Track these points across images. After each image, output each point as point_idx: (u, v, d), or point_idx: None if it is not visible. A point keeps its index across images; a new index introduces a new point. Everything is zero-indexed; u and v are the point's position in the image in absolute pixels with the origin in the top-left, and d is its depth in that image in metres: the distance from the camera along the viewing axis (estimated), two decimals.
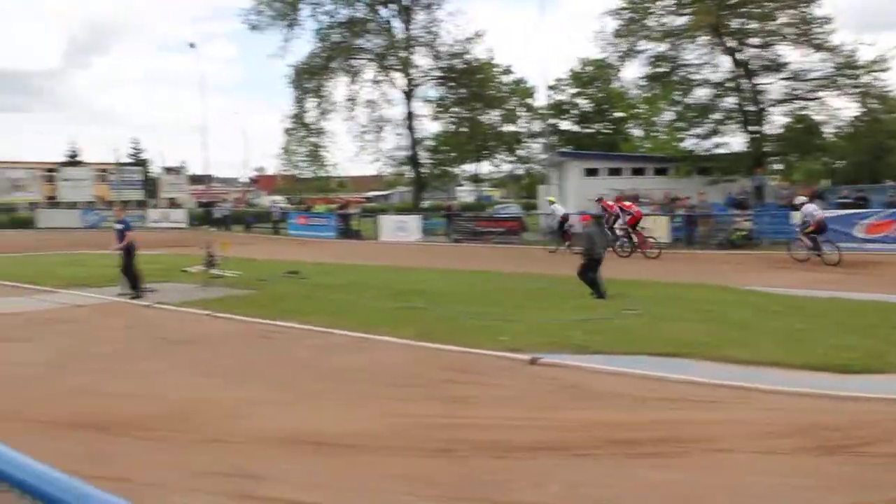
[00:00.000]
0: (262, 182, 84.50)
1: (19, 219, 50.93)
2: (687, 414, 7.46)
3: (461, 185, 66.60)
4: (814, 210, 22.73)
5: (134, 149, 77.61)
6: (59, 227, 46.98)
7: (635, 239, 25.66)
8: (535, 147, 54.74)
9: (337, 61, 47.48)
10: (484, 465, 6.11)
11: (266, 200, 65.94)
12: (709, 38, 36.17)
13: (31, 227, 48.58)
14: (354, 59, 47.83)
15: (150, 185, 62.16)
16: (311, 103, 48.46)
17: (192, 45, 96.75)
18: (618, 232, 25.66)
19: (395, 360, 10.07)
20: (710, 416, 7.36)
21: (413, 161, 49.13)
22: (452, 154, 53.01)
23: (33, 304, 16.09)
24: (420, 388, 8.55)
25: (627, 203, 26.59)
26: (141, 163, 67.78)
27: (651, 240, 25.77)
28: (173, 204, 60.45)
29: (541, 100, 53.02)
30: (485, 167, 59.31)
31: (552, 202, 31.11)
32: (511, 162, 57.42)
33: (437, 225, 37.08)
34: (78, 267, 23.80)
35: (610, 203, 26.96)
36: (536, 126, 53.34)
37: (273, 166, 64.35)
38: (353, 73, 48.16)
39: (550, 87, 54.24)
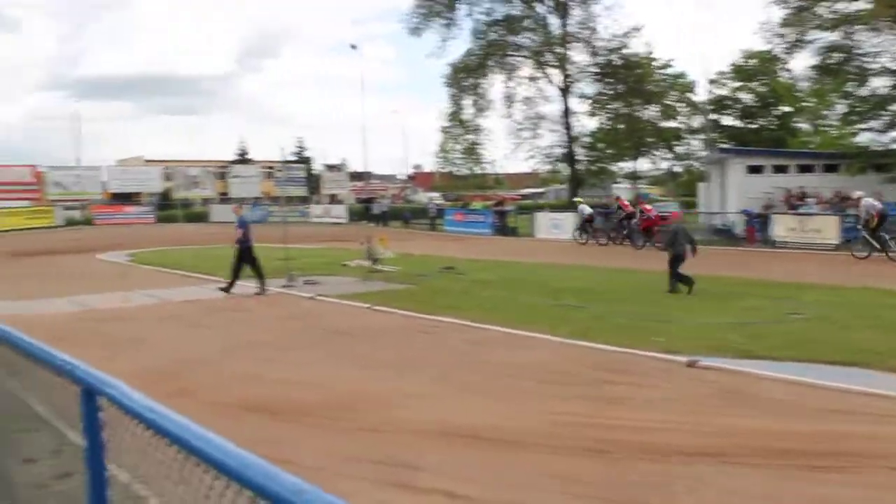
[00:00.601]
0: (419, 179, 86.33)
1: (195, 213, 54.61)
2: (861, 427, 6.98)
3: (618, 183, 65.39)
4: (873, 203, 22.97)
5: (298, 147, 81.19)
6: (230, 222, 50.03)
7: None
8: (695, 144, 52.93)
9: (493, 59, 47.78)
10: (638, 468, 5.98)
11: (423, 197, 67.31)
12: (890, 22, 33.61)
13: (205, 220, 51.91)
14: (511, 56, 47.97)
15: (312, 182, 64.89)
16: (467, 101, 49.06)
17: (353, 47, 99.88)
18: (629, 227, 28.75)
19: (549, 357, 10.03)
20: (887, 431, 6.87)
21: (569, 158, 48.68)
22: (609, 151, 52.09)
23: (207, 293, 17.19)
24: (574, 387, 8.47)
25: (648, 207, 29.40)
26: (304, 160, 70.84)
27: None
28: (334, 200, 62.87)
29: (701, 94, 51.19)
30: (642, 164, 57.91)
31: (580, 202, 34.17)
32: (670, 159, 55.79)
33: None
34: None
35: (626, 203, 30.49)
36: (696, 122, 51.58)
37: (430, 163, 65.56)
38: (510, 71, 48.35)
39: (711, 82, 52.16)
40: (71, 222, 50.00)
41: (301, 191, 60.72)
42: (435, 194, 64.31)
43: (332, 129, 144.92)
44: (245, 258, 17.31)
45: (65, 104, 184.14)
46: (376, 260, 20.82)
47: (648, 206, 29.31)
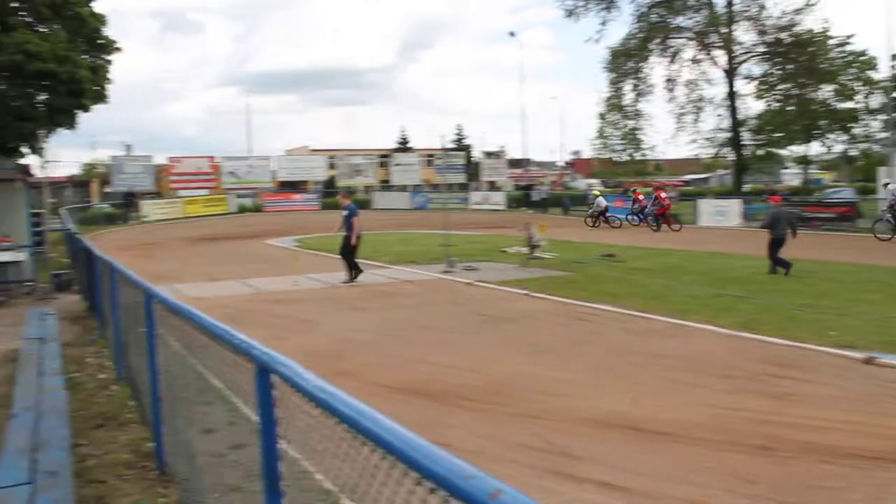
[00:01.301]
0: (578, 165, 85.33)
1: (358, 201, 56.38)
2: None
3: (787, 168, 61.92)
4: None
5: (457, 135, 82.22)
6: (391, 209, 51.32)
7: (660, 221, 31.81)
8: (875, 125, 49.28)
9: (654, 42, 46.32)
10: (810, 470, 5.65)
11: (582, 183, 66.50)
12: None
13: (368, 208, 53.52)
14: (673, 38, 46.33)
15: (472, 169, 65.56)
16: (627, 86, 47.85)
17: (511, 34, 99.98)
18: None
19: (712, 348, 9.66)
20: None
21: (734, 143, 46.52)
22: (778, 135, 49.35)
23: (369, 278, 17.71)
24: (739, 381, 8.12)
25: (663, 195, 32.47)
26: (464, 148, 71.69)
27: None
28: (493, 187, 63.27)
29: (883, 72, 47.50)
30: (814, 148, 54.55)
31: (597, 195, 36.95)
32: (844, 142, 52.28)
33: (759, 210, 34.85)
34: (407, 245, 25.82)
35: (641, 197, 34.30)
36: (877, 101, 47.98)
37: (589, 150, 64.60)
38: (672, 54, 46.72)
39: (894, 57, 48.32)
40: (243, 209, 52.99)
41: (460, 178, 61.54)
42: (594, 181, 63.37)
43: (490, 117, 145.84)
44: (347, 247, 17.34)
45: (238, 99, 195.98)
46: (535, 247, 20.77)
47: (664, 195, 32.67)
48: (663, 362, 9.02)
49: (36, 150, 32.89)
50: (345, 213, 17.66)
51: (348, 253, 17.35)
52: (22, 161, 21.99)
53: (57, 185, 53.15)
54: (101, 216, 45.68)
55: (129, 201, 48.25)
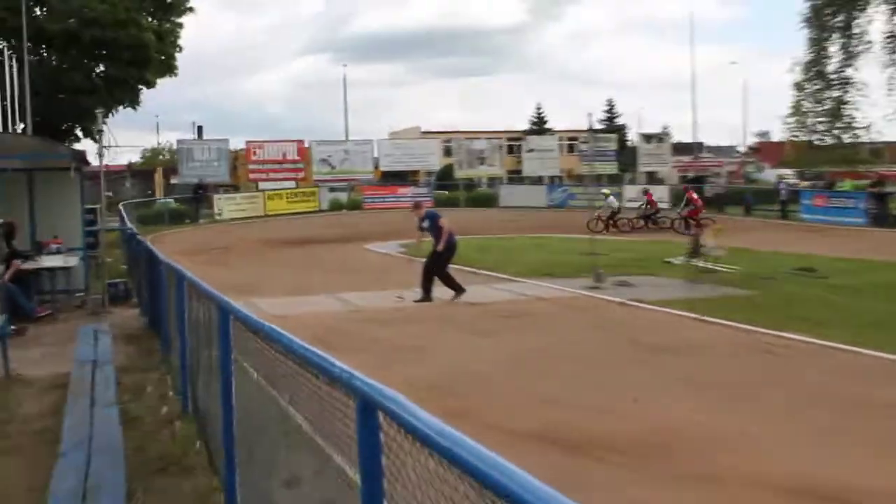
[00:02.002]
0: (764, 151, 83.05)
1: (480, 196, 56.53)
2: None
3: None
4: None
5: (608, 112, 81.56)
6: (522, 206, 51.30)
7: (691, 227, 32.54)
8: None
9: None
10: None
11: (770, 175, 64.65)
12: None
13: (492, 205, 53.66)
14: None
15: (625, 156, 64.80)
16: (833, 45, 46.22)
17: None
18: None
19: None
20: None
21: None
22: None
23: (492, 294, 17.78)
24: None
25: (695, 196, 35.48)
26: (616, 129, 71.06)
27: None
28: (653, 179, 62.30)
29: None
30: None
31: (607, 195, 38.56)
32: None
33: None
34: (542, 253, 25.80)
35: (653, 198, 38.04)
36: None
37: (780, 130, 62.84)
38: None
39: None
40: (336, 206, 54.28)
41: (611, 167, 60.99)
42: (787, 171, 61.51)
43: (650, 89, 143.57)
44: (436, 261, 17.42)
45: (332, 69, 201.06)
46: (705, 255, 20.34)
47: (695, 196, 35.54)
48: (881, 412, 8.65)
49: (92, 134, 34.67)
50: (424, 223, 17.94)
51: (439, 268, 17.40)
52: (76, 146, 23.32)
53: (115, 176, 55.93)
54: (166, 213, 47.67)
55: (199, 195, 49.97)
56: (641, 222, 36.69)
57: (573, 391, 9.77)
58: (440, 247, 17.30)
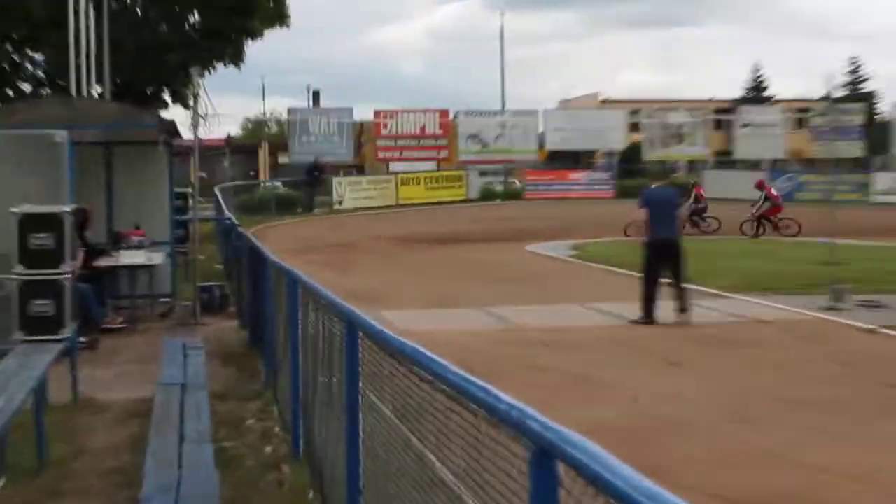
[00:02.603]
0: None
1: (675, 185, 55.66)
2: None
3: None
4: None
5: (851, 75, 79.19)
6: (733, 198, 50.23)
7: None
8: None
9: None
10: None
11: None
12: None
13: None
14: None
15: (876, 134, 62.68)
16: None
17: None
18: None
19: None
20: None
21: None
22: None
23: (696, 314, 17.45)
24: None
25: (775, 193, 37.20)
26: (862, 97, 68.83)
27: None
28: None
29: None
30: None
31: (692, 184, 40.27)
32: None
33: None
34: (763, 260, 25.40)
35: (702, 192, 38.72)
36: None
37: None
38: None
39: None
40: (489, 194, 54.52)
41: (856, 149, 58.94)
42: None
43: None
44: (678, 260, 17.17)
45: (484, 19, 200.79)
46: None
47: (774, 191, 37.38)
48: None
49: (183, 99, 35.59)
50: (649, 199, 17.81)
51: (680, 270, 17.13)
52: (163, 114, 23.97)
53: (210, 152, 57.49)
54: (272, 200, 48.67)
55: (314, 178, 50.46)
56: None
57: (804, 447, 9.52)
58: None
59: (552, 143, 60.06)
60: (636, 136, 61.91)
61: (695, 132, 60.93)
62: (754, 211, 36.12)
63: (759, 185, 37.52)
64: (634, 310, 17.04)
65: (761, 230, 35.46)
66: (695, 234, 33.13)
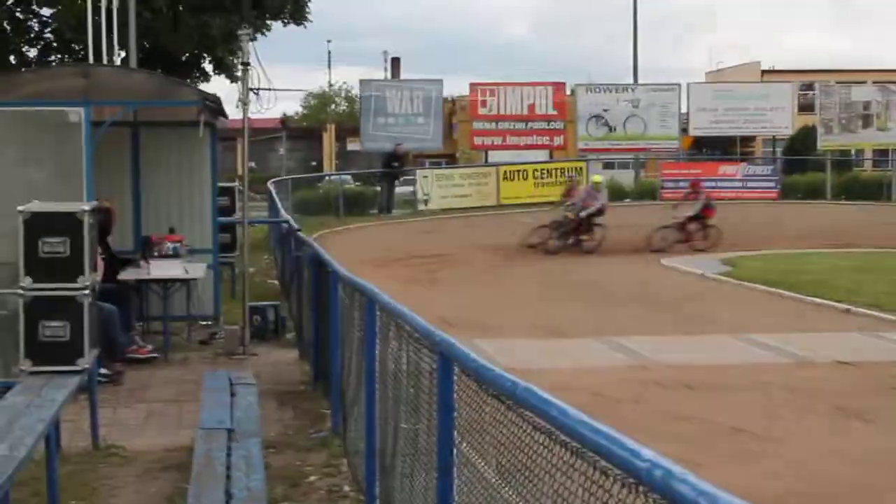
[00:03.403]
0: None
1: (860, 182, 54.71)
2: None
3: None
4: None
5: None
6: None
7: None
8: None
9: None
10: None
11: None
12: None
13: (880, 198, 51.97)
14: None
15: None
16: None
17: None
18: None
19: None
20: None
21: None
22: None
23: (883, 349, 17.35)
24: None
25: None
26: None
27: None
28: None
29: None
30: None
31: (598, 182, 39.03)
32: None
33: None
34: None
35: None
36: None
37: None
38: None
39: None
40: (615, 193, 54.18)
41: None
42: None
43: None
44: None
45: None
46: None
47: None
48: None
49: (229, 68, 35.81)
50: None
51: None
52: (205, 88, 24.12)
53: (262, 137, 57.91)
54: (339, 197, 48.43)
55: (393, 171, 50.31)
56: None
57: None
58: None
59: (698, 128, 59.24)
60: (808, 117, 61.10)
61: (888, 112, 59.68)
62: (688, 213, 36.01)
63: (695, 187, 38.08)
64: (808, 344, 16.98)
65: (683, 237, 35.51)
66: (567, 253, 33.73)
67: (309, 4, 40.86)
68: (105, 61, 26.60)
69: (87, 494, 9.86)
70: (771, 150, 60.31)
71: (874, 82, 61.50)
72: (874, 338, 18.29)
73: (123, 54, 30.61)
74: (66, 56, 35.97)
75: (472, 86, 58.21)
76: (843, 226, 39.45)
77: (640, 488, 3.08)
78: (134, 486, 10.21)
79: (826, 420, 13.20)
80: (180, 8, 35.83)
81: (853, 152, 59.55)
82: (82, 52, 29.34)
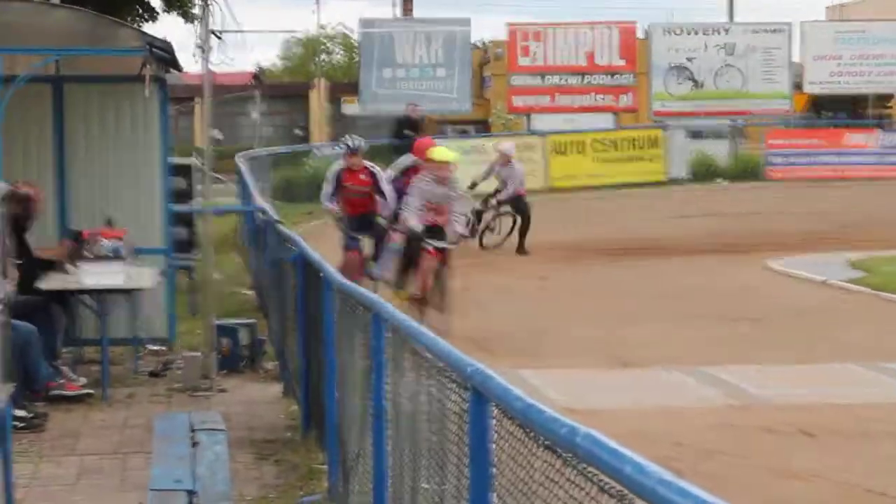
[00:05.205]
0: None
1: None
2: None
3: None
4: None
5: None
6: None
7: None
8: None
9: None
10: None
11: None
12: None
13: None
14: None
15: None
16: None
17: None
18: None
19: None
20: None
21: None
22: None
23: None
24: None
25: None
26: None
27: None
28: None
29: None
30: None
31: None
32: None
33: None
34: None
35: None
36: None
37: None
38: None
39: None
40: (704, 171, 54.10)
41: None
42: None
43: None
44: None
45: None
46: None
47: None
48: None
49: (184, 5, 35.99)
50: None
51: None
52: (152, 31, 24.13)
53: (230, 96, 57.93)
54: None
55: (406, 139, 49.99)
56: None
57: None
58: None
59: (816, 84, 59.33)
60: None
61: None
62: (499, 196, 35.99)
63: (506, 161, 37.32)
64: None
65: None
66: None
67: None
68: None
69: None
70: None
71: None
72: None
73: None
74: None
75: (512, 29, 58.30)
76: None
77: None
78: None
79: None
80: None
81: None
82: None
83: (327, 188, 21.38)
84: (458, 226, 20.20)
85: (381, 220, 20.69)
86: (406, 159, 26.33)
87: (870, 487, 12.66)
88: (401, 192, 21.11)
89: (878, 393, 16.99)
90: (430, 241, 20.11)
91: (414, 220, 20.14)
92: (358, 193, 19.15)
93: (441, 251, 19.76)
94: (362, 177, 18.90)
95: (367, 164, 19.93)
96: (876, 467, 13.37)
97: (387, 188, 20.80)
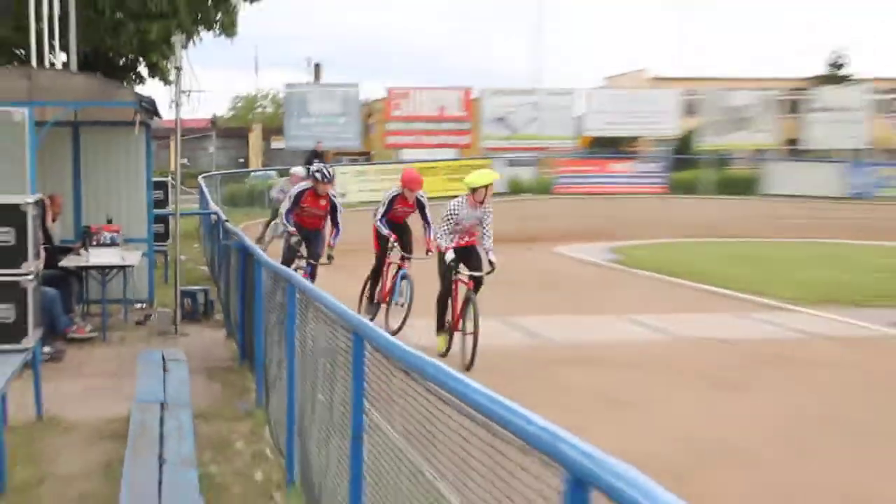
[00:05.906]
0: None
1: (734, 179, 54.99)
2: None
3: None
4: None
5: None
6: (803, 195, 50.04)
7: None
8: None
9: None
10: None
11: None
12: None
13: (752, 192, 52.31)
14: None
15: None
16: None
17: None
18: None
19: None
20: None
21: None
22: None
23: (748, 328, 17.59)
24: None
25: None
26: None
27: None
28: None
29: None
30: None
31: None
32: None
33: None
34: (832, 269, 25.36)
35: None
36: None
37: None
38: None
39: None
40: (515, 188, 54.24)
41: None
42: None
43: None
44: None
45: None
46: None
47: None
48: None
49: (163, 72, 35.38)
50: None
51: None
52: (141, 91, 23.95)
53: (193, 136, 57.51)
54: (266, 192, 48.41)
55: (312, 163, 49.89)
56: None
57: (882, 479, 9.58)
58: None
59: (593, 128, 59.07)
60: (692, 120, 60.96)
61: (761, 117, 59.04)
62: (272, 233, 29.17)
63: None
64: (687, 325, 17.17)
65: None
66: None
67: (237, 19, 40.66)
68: (47, 65, 26.50)
69: (32, 461, 9.79)
70: (660, 149, 60.52)
71: (751, 89, 61.85)
72: (745, 319, 18.54)
73: (64, 57, 30.36)
74: (8, 60, 35.41)
75: (389, 90, 58.18)
76: (724, 220, 39.92)
77: (531, 451, 3.12)
78: (75, 453, 10.16)
79: (703, 392, 13.32)
80: (118, 14, 35.36)
81: (730, 153, 59.92)
82: (24, 57, 28.91)
83: (288, 205, 17.93)
84: (492, 253, 16.51)
85: (329, 252, 18.56)
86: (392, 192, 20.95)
87: (617, 398, 12.77)
88: (391, 223, 19.09)
89: (627, 335, 17.16)
90: (464, 270, 16.73)
91: (450, 251, 16.56)
92: (313, 215, 18.41)
93: (475, 280, 16.51)
94: (322, 202, 18.22)
95: (332, 192, 18.48)
96: (624, 384, 13.50)
97: (340, 218, 18.63)
